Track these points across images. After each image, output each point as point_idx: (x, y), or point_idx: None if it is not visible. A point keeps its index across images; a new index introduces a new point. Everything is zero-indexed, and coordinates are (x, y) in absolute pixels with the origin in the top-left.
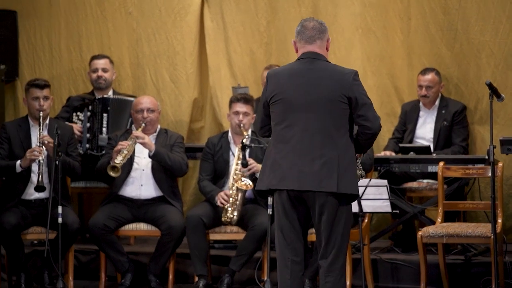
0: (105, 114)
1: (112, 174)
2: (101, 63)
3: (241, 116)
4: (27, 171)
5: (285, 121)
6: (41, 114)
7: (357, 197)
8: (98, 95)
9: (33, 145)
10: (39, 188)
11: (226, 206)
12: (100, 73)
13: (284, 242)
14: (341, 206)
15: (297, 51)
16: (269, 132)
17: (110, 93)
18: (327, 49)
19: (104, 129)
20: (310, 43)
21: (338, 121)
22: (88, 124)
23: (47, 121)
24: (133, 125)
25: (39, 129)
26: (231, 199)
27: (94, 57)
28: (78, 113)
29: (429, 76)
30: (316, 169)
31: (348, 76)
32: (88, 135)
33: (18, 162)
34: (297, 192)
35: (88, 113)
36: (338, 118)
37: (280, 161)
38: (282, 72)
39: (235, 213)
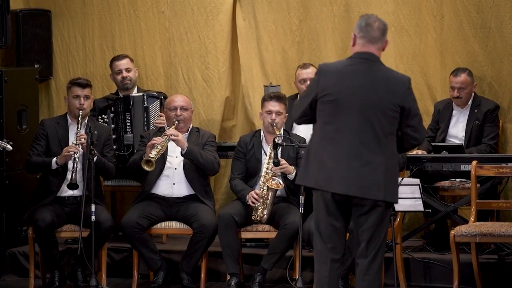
0: (127, 114)
1: (146, 168)
2: (123, 63)
3: (273, 115)
4: (64, 169)
5: (336, 123)
6: (80, 113)
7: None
8: (122, 95)
9: (70, 143)
10: (72, 185)
11: (256, 205)
12: (124, 73)
13: (324, 240)
14: (386, 211)
15: (354, 45)
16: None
17: (135, 91)
18: (383, 50)
19: (129, 128)
20: (372, 44)
21: (388, 128)
22: (112, 126)
23: (86, 120)
24: (165, 124)
25: (77, 128)
26: (261, 198)
27: (115, 59)
28: (103, 115)
29: (461, 78)
30: (364, 175)
31: (403, 85)
32: (114, 136)
33: (54, 159)
34: (343, 196)
35: (112, 115)
36: (388, 125)
37: (329, 162)
38: (337, 70)
39: (265, 212)
